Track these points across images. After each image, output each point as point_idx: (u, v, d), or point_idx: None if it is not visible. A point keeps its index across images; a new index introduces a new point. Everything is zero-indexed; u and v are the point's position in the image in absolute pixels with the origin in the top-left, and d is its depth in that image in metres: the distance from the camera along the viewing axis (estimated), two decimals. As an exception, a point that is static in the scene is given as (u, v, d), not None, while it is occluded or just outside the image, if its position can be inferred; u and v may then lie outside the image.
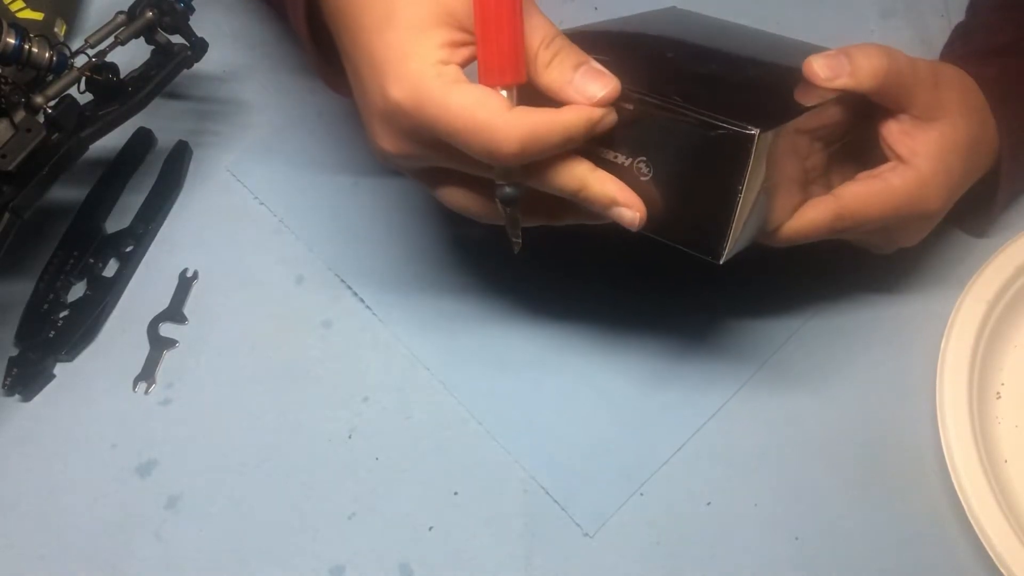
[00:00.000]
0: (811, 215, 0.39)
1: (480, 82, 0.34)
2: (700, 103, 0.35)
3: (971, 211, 0.46)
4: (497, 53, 0.34)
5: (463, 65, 0.35)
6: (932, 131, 0.40)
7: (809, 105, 0.37)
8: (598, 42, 0.38)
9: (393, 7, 0.35)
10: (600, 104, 0.35)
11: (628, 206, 0.36)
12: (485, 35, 0.34)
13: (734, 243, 0.35)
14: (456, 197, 0.38)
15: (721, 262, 0.36)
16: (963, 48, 0.50)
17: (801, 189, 0.40)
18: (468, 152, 0.34)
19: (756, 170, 0.34)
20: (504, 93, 0.34)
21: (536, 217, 0.39)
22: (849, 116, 0.40)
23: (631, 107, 0.35)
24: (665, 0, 0.55)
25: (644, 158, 0.36)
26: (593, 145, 0.36)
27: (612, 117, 0.35)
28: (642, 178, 0.36)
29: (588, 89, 0.34)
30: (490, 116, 0.33)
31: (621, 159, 0.36)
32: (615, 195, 0.35)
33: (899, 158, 0.40)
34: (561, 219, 0.39)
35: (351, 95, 0.40)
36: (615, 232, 0.37)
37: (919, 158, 0.39)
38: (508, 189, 0.36)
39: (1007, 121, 0.43)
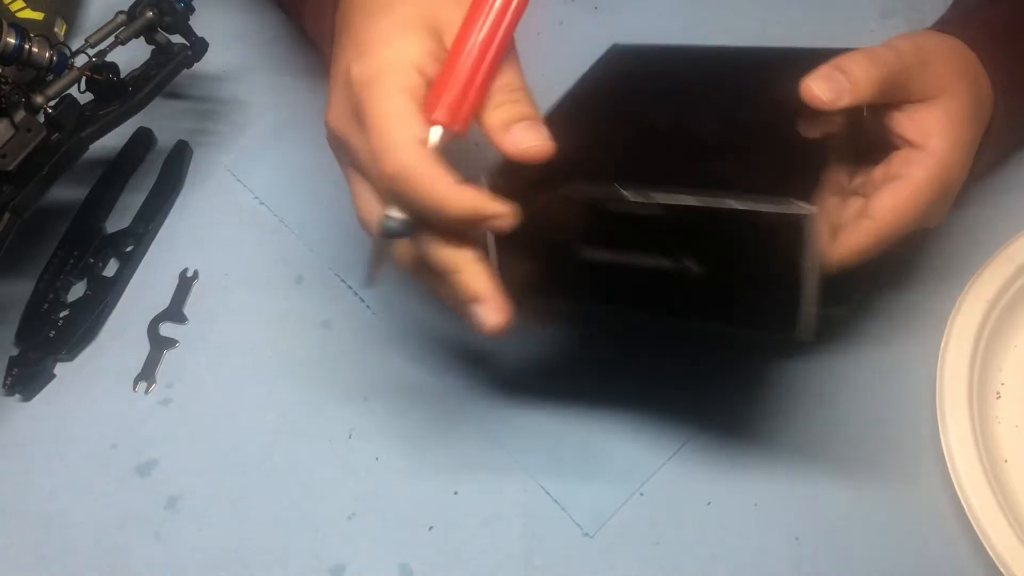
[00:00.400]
0: (853, 244, 0.38)
1: (424, 106, 0.33)
2: (735, 185, 0.33)
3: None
4: (448, 89, 0.33)
5: (430, 78, 0.34)
6: (936, 109, 0.39)
7: (820, 138, 0.36)
8: (577, 130, 0.37)
9: (393, 1, 0.35)
10: (524, 156, 0.33)
11: (494, 309, 0.34)
12: (448, 67, 0.33)
13: (810, 316, 0.33)
14: (361, 201, 0.37)
15: (810, 340, 0.34)
16: (953, 11, 0.49)
17: None
18: (356, 153, 0.34)
19: (815, 242, 0.33)
20: (436, 132, 0.33)
21: (403, 264, 0.37)
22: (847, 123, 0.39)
23: (659, 209, 0.33)
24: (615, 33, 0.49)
25: (693, 259, 0.34)
26: (629, 250, 0.34)
27: (505, 223, 0.33)
28: (691, 276, 0.34)
29: (521, 138, 0.33)
30: (389, 130, 0.32)
31: (665, 263, 0.34)
32: (481, 292, 0.34)
33: (911, 144, 0.39)
34: (422, 282, 0.37)
35: None
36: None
37: (933, 139, 0.38)
38: (392, 223, 0.34)
39: (997, 75, 0.42)
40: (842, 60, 0.38)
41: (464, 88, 0.33)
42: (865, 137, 0.42)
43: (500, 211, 0.33)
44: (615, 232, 0.35)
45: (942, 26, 0.44)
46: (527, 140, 0.33)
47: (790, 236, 0.32)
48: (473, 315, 0.35)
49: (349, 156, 0.37)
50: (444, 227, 0.34)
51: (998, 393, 0.45)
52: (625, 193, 0.33)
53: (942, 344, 0.44)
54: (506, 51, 0.34)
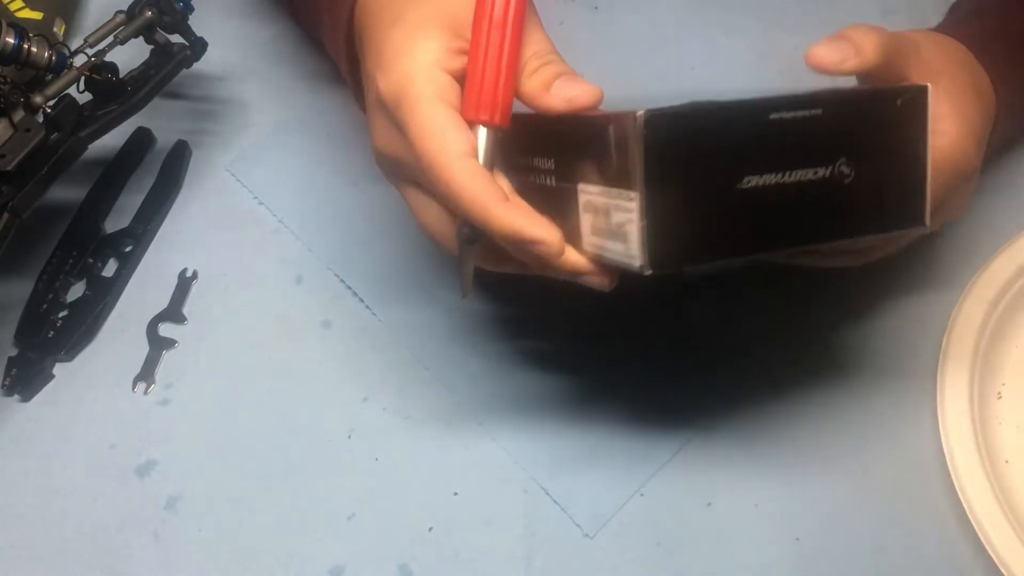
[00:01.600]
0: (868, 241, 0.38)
1: (461, 111, 0.33)
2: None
3: None
4: (479, 87, 0.32)
5: (459, 74, 0.34)
6: (939, 91, 0.38)
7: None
8: None
9: (405, 7, 0.35)
10: (575, 107, 0.32)
11: (598, 275, 0.33)
12: (474, 64, 0.33)
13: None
14: (425, 216, 0.36)
15: (928, 227, 0.33)
16: (950, 17, 0.49)
17: None
18: (413, 170, 0.34)
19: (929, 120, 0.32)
20: (483, 133, 0.32)
21: (505, 264, 0.36)
22: None
23: (815, 112, 0.30)
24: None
25: (843, 159, 0.31)
26: (786, 163, 0.30)
27: (547, 251, 0.31)
28: (845, 181, 0.31)
29: (567, 91, 0.33)
30: (431, 150, 0.32)
31: (821, 172, 0.31)
32: (581, 268, 0.33)
33: None
34: (530, 272, 0.36)
35: None
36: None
37: (942, 122, 0.38)
38: (467, 229, 0.33)
39: (995, 71, 0.42)
40: (845, 30, 0.37)
41: (495, 77, 0.32)
42: None
43: (541, 237, 0.31)
44: (770, 149, 0.30)
45: (941, 29, 0.44)
46: (572, 91, 0.32)
47: (914, 113, 0.32)
48: (588, 284, 0.34)
49: (404, 173, 0.36)
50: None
51: (999, 394, 0.45)
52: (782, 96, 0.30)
53: (943, 344, 0.44)
54: (523, 24, 0.33)
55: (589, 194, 0.31)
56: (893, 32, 0.38)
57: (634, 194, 0.28)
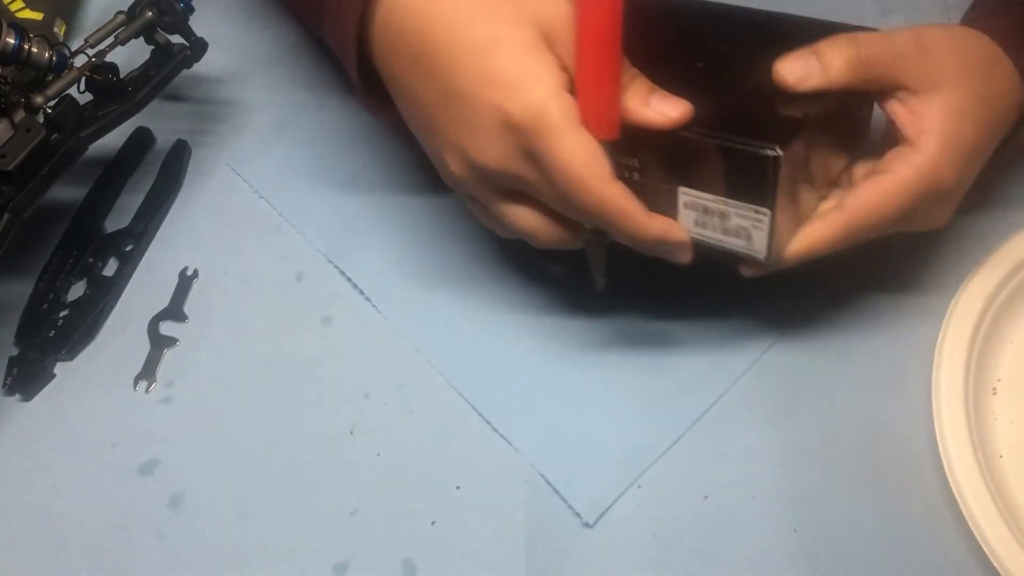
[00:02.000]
0: (818, 235, 0.39)
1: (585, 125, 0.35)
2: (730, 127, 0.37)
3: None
4: (598, 107, 0.35)
5: (570, 88, 0.35)
6: (935, 102, 0.38)
7: (793, 115, 0.37)
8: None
9: (499, 30, 0.35)
10: (671, 123, 0.36)
11: (688, 253, 0.39)
12: (586, 83, 0.35)
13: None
14: (527, 220, 0.39)
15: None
16: (977, 10, 0.47)
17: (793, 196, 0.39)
18: (563, 198, 0.36)
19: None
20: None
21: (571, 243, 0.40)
22: (837, 105, 0.39)
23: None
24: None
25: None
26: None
27: (683, 255, 0.39)
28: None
29: (665, 109, 0.36)
30: (580, 176, 0.35)
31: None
32: (677, 240, 0.38)
33: (906, 138, 0.38)
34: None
35: (392, 117, 0.41)
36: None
37: (925, 137, 0.38)
38: (593, 234, 0.39)
39: None
40: (821, 43, 0.37)
41: (610, 97, 0.35)
42: (858, 126, 0.42)
43: (681, 240, 0.38)
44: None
45: (968, 23, 0.42)
46: (669, 109, 0.36)
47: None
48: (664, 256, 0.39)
49: (508, 187, 0.38)
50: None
51: (994, 389, 0.45)
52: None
53: (939, 340, 0.44)
54: (620, 41, 0.35)
55: (696, 197, 0.38)
56: (886, 39, 0.38)
57: (765, 210, 0.37)
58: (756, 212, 0.37)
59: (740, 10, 0.45)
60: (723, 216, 0.38)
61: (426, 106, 0.38)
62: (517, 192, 0.38)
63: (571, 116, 0.35)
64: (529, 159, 0.36)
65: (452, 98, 0.37)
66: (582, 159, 0.34)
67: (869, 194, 0.38)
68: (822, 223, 0.39)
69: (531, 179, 0.37)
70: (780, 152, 0.35)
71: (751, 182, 0.37)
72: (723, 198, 0.38)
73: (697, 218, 0.39)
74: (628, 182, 0.38)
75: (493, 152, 0.36)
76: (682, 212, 0.39)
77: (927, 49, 0.38)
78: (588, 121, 0.35)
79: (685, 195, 0.39)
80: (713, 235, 0.39)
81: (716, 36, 0.43)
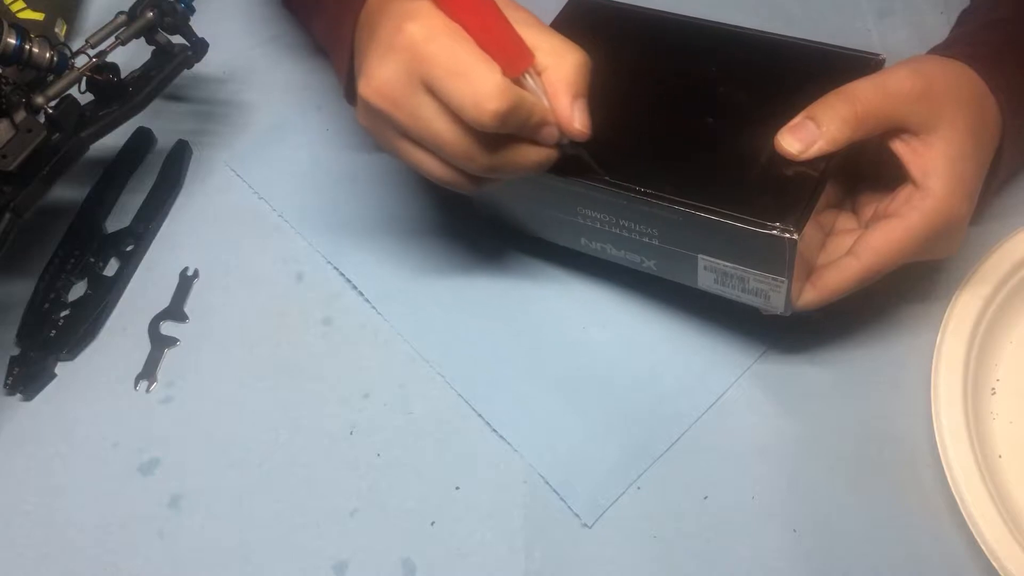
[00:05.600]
0: (833, 284, 0.40)
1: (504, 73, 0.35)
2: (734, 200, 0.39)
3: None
4: (499, 46, 0.36)
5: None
6: (937, 144, 0.39)
7: (810, 173, 0.39)
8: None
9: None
10: (578, 135, 0.37)
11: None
12: (481, 32, 0.36)
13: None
14: (426, 164, 0.39)
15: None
16: (961, 28, 0.49)
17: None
18: (450, 100, 0.35)
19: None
20: (531, 80, 0.36)
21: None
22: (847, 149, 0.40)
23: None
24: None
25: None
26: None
27: (580, 132, 0.38)
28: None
29: (579, 122, 0.37)
30: (483, 75, 0.34)
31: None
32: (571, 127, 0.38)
33: (912, 180, 0.39)
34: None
35: None
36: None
37: (931, 179, 0.39)
38: (564, 142, 0.39)
39: (1004, 96, 0.42)
40: (815, 107, 0.39)
41: (502, 33, 0.36)
42: (868, 157, 0.42)
43: (583, 127, 0.38)
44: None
45: (946, 49, 0.43)
46: (581, 125, 0.37)
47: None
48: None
49: (402, 122, 0.37)
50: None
51: (993, 389, 0.45)
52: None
53: (937, 340, 0.44)
54: None
55: (715, 263, 0.41)
56: (879, 86, 0.39)
57: (783, 279, 0.40)
58: (774, 279, 0.40)
59: (739, 35, 0.48)
60: (742, 280, 0.41)
61: (361, 55, 0.39)
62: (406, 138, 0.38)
63: (465, 37, 0.35)
64: (417, 83, 0.35)
65: (368, 32, 0.38)
66: (477, 59, 0.35)
67: (880, 241, 0.40)
68: (837, 271, 0.40)
69: (417, 104, 0.36)
70: (796, 236, 0.37)
71: (769, 256, 0.39)
72: (741, 267, 0.40)
73: (716, 279, 0.42)
74: (647, 247, 0.42)
75: (381, 79, 0.36)
76: (701, 273, 0.42)
77: (923, 90, 0.39)
78: (502, 66, 0.35)
79: (704, 260, 0.41)
80: (732, 292, 0.42)
81: (720, 68, 0.46)
